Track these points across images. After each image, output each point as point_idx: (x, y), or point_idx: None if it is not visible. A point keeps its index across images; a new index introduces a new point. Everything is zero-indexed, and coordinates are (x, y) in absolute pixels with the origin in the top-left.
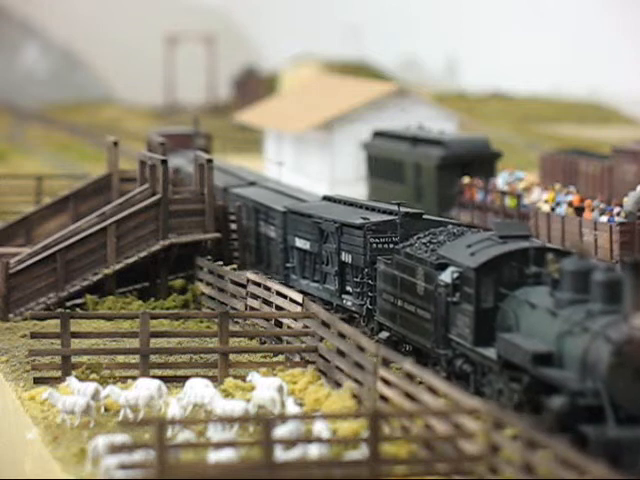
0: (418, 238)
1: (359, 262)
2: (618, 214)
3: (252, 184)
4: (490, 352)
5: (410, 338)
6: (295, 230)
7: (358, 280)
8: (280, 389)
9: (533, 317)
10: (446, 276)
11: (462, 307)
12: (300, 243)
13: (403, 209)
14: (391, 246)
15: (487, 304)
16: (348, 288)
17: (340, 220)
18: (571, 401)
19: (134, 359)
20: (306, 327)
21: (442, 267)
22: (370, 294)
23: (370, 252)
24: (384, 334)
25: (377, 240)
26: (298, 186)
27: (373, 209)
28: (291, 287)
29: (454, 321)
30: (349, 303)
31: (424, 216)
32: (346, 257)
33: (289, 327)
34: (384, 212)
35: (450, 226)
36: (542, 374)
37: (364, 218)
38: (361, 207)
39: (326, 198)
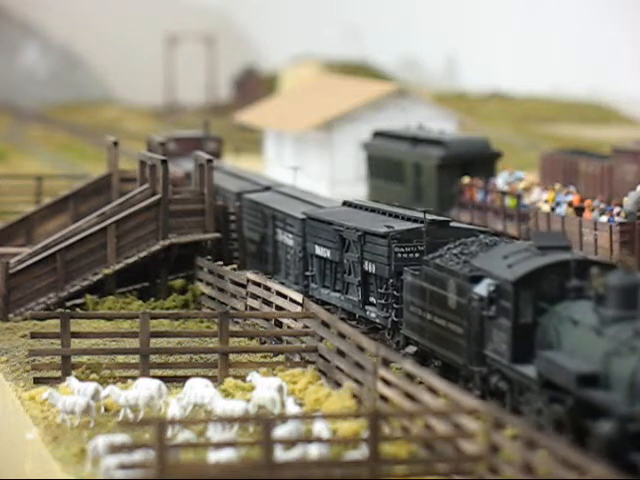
0: (448, 249)
1: (383, 272)
2: (618, 214)
3: (267, 189)
4: (529, 370)
5: (440, 353)
6: (315, 237)
7: (382, 291)
8: (280, 389)
9: (576, 334)
10: (481, 289)
11: (499, 322)
12: (320, 251)
13: (429, 216)
14: (417, 255)
15: (526, 319)
16: (372, 299)
17: (362, 228)
18: (620, 427)
19: (134, 359)
20: (306, 327)
21: (476, 279)
22: (395, 306)
23: (395, 262)
24: (411, 348)
25: (402, 249)
26: (315, 191)
27: (397, 216)
28: (311, 296)
29: (490, 336)
30: (373, 315)
31: (451, 224)
32: (369, 267)
33: (289, 327)
34: (409, 219)
35: (482, 236)
36: (587, 396)
37: (388, 226)
38: (384, 214)
39: (346, 203)
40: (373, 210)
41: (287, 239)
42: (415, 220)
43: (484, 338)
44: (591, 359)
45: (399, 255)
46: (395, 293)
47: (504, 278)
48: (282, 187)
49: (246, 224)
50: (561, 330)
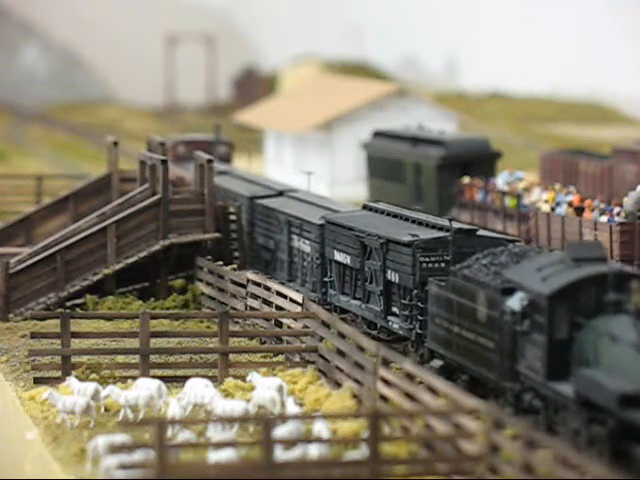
0: (477, 259)
1: (407, 282)
2: (618, 214)
3: (280, 194)
4: (565, 388)
5: (468, 368)
6: (334, 242)
7: (406, 302)
8: (280, 389)
9: (615, 351)
10: (514, 303)
11: (532, 337)
12: (339, 257)
13: (455, 224)
14: (442, 265)
15: (561, 335)
16: (394, 309)
17: (385, 235)
18: None
19: (134, 359)
20: (306, 327)
21: (508, 292)
22: (420, 318)
23: (420, 272)
24: (437, 362)
25: (427, 259)
26: (330, 197)
27: (420, 223)
28: (329, 303)
29: (523, 352)
30: (396, 326)
31: (478, 232)
32: (392, 276)
33: (289, 327)
34: (433, 227)
35: (511, 245)
36: (631, 418)
37: (413, 234)
38: (406, 220)
39: (367, 207)
40: (395, 215)
41: (304, 245)
42: (440, 228)
43: (517, 353)
44: (633, 378)
45: (424, 265)
46: (420, 304)
47: (538, 292)
48: (296, 192)
49: (258, 230)
50: (599, 346)
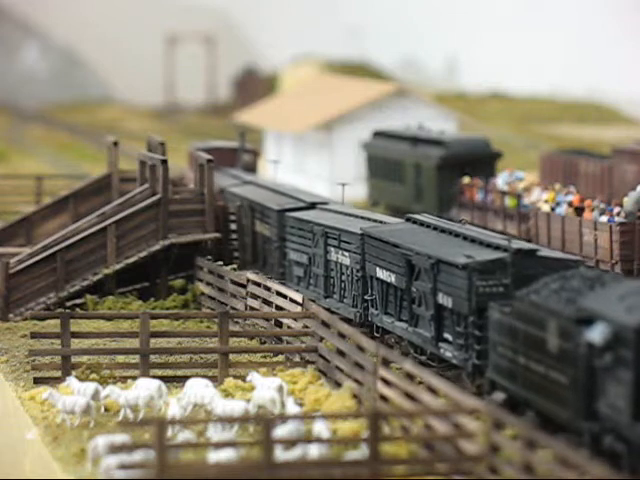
0: (545, 283)
1: (462, 308)
2: (618, 214)
3: (312, 206)
4: None
5: (537, 404)
6: (376, 258)
7: (461, 330)
8: (280, 389)
9: None
10: (594, 334)
11: (616, 373)
12: (382, 274)
13: (514, 244)
14: (500, 290)
15: None
16: (446, 335)
17: (436, 256)
18: None
19: (134, 359)
20: (306, 327)
21: (584, 322)
22: (477, 347)
23: (476, 297)
24: (499, 395)
25: (484, 283)
26: (364, 209)
27: (473, 240)
28: (371, 323)
29: (603, 389)
30: (449, 354)
31: (539, 253)
32: (444, 300)
33: (289, 327)
34: (488, 246)
35: (582, 268)
36: None
37: (468, 255)
38: (457, 236)
39: (410, 220)
40: (443, 231)
41: (342, 258)
42: (497, 247)
43: (596, 390)
44: None
45: (481, 289)
46: (477, 333)
47: (623, 323)
48: (330, 204)
49: (289, 245)
50: None
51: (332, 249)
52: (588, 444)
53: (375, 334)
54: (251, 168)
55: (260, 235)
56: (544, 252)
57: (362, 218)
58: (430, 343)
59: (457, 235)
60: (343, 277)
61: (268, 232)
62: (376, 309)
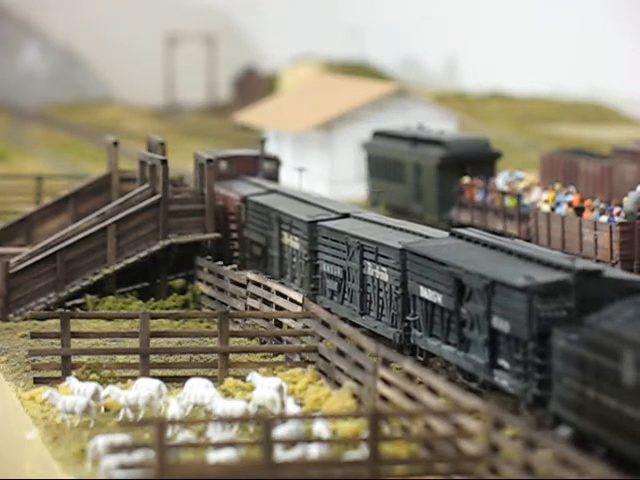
0: (619, 310)
1: (521, 333)
2: (618, 214)
3: (345, 216)
4: None
5: (609, 440)
6: (419, 276)
7: (520, 357)
8: (280, 389)
9: None
10: None
11: None
12: (427, 294)
13: (578, 264)
14: (563, 314)
15: None
16: (502, 362)
17: (491, 276)
18: None
19: (134, 359)
20: (306, 327)
21: None
22: (538, 376)
23: (537, 322)
24: (564, 430)
25: (547, 306)
26: (402, 220)
27: (529, 259)
28: (414, 345)
29: None
30: (504, 383)
31: (605, 273)
32: (500, 324)
33: (289, 327)
34: (547, 265)
35: None
36: None
37: (527, 277)
38: (510, 253)
39: (456, 235)
40: (494, 247)
41: (380, 273)
42: (558, 267)
43: None
44: None
45: (542, 314)
46: (538, 360)
47: None
48: (364, 214)
49: (322, 256)
50: None
51: (369, 263)
52: None
53: (419, 357)
54: (273, 177)
55: (288, 248)
56: (609, 272)
57: (400, 230)
58: (483, 370)
59: (510, 252)
60: (381, 294)
61: (298, 245)
62: (420, 330)
